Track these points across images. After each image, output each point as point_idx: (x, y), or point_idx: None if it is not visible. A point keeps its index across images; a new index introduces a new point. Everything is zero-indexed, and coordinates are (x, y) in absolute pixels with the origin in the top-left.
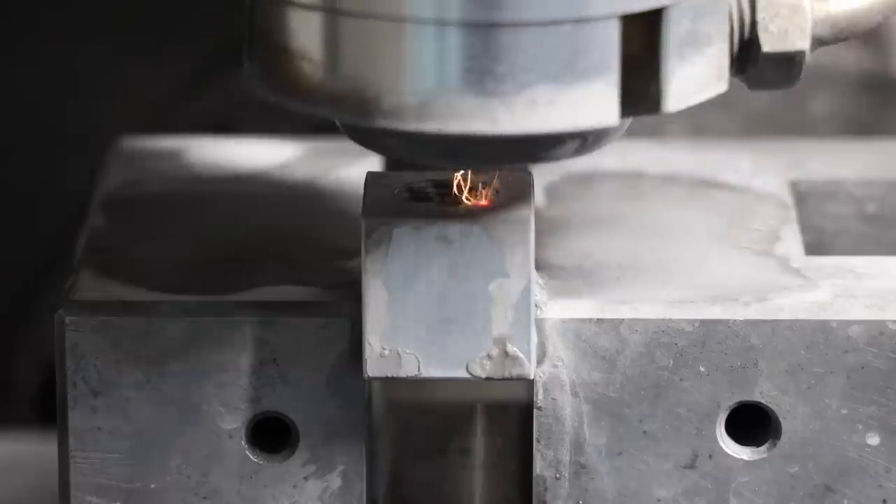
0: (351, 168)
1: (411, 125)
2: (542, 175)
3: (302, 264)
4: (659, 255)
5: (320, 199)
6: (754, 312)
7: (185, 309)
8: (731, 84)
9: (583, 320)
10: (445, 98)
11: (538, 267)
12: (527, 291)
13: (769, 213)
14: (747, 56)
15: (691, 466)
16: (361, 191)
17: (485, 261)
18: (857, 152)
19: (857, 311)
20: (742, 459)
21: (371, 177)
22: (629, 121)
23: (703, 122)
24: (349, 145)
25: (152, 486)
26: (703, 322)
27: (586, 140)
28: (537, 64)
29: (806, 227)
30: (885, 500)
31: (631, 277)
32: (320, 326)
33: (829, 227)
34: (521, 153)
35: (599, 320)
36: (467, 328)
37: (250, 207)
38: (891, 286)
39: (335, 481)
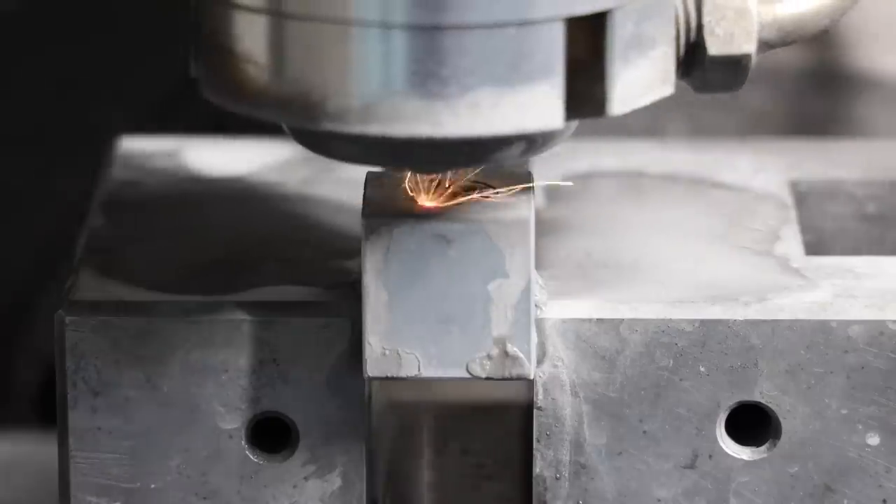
0: (351, 168)
1: (356, 128)
2: (542, 175)
3: (302, 264)
4: (659, 255)
5: (320, 199)
6: (754, 312)
7: (185, 309)
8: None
9: (583, 320)
10: (390, 101)
11: (538, 267)
12: (527, 291)
13: (769, 213)
14: (693, 59)
15: (691, 466)
16: (361, 191)
17: (485, 261)
18: (857, 152)
19: (857, 311)
20: (742, 459)
21: (371, 177)
22: (576, 123)
23: (703, 122)
24: None
25: (152, 486)
26: (703, 322)
27: (532, 142)
28: (481, 67)
29: (806, 227)
30: (885, 500)
31: (631, 277)
32: (320, 326)
33: (829, 227)
34: (466, 155)
35: (599, 320)
36: (467, 328)
37: (250, 207)
38: (891, 286)
39: (335, 481)
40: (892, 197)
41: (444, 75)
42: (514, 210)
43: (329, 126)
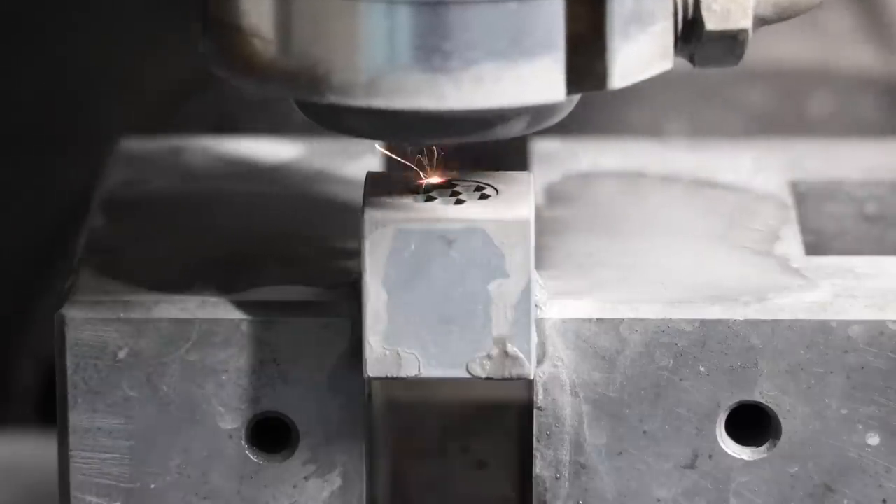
0: (351, 168)
1: (361, 101)
2: (542, 175)
3: (302, 264)
4: (659, 255)
5: (320, 199)
6: (754, 312)
7: (185, 309)
8: (730, 83)
9: (583, 320)
10: (395, 75)
11: (538, 267)
12: (527, 291)
13: (769, 213)
14: (691, 34)
15: (691, 466)
16: (361, 190)
17: (485, 261)
18: (857, 152)
19: (857, 311)
20: (742, 459)
21: (371, 177)
22: (577, 98)
23: (703, 122)
24: (349, 145)
25: (152, 486)
26: (703, 322)
27: (535, 116)
28: (484, 41)
29: (806, 227)
30: (885, 500)
31: (631, 277)
32: (320, 326)
33: (829, 227)
34: (470, 129)
35: (599, 320)
36: (467, 328)
37: (250, 207)
38: (891, 286)
39: (335, 481)
40: (892, 197)
41: (447, 50)
42: (514, 210)
43: (334, 99)
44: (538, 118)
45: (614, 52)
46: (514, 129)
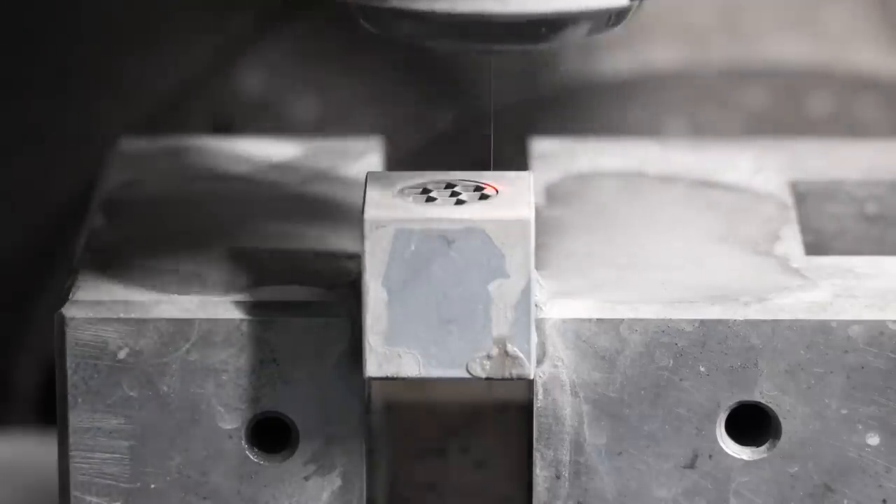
0: (351, 168)
1: (423, 4)
2: (542, 175)
3: (302, 264)
4: (659, 255)
5: (320, 199)
6: (754, 312)
7: (185, 309)
8: (730, 84)
9: (583, 320)
10: None
11: (538, 267)
12: (527, 291)
13: (769, 213)
14: None
15: (691, 466)
16: (362, 191)
17: (485, 261)
18: (857, 152)
19: (857, 311)
20: (742, 459)
21: (371, 177)
22: (638, 5)
23: (703, 122)
24: (349, 145)
25: (152, 486)
26: (703, 322)
27: (597, 21)
28: None
29: (806, 227)
30: (885, 500)
31: (631, 277)
32: (320, 326)
33: (829, 227)
34: (531, 34)
35: (599, 320)
36: (467, 328)
37: (250, 207)
38: (891, 286)
39: (335, 481)
40: (892, 197)
41: None
42: (514, 210)
43: (397, 3)
44: (599, 23)
45: None
46: (576, 34)
